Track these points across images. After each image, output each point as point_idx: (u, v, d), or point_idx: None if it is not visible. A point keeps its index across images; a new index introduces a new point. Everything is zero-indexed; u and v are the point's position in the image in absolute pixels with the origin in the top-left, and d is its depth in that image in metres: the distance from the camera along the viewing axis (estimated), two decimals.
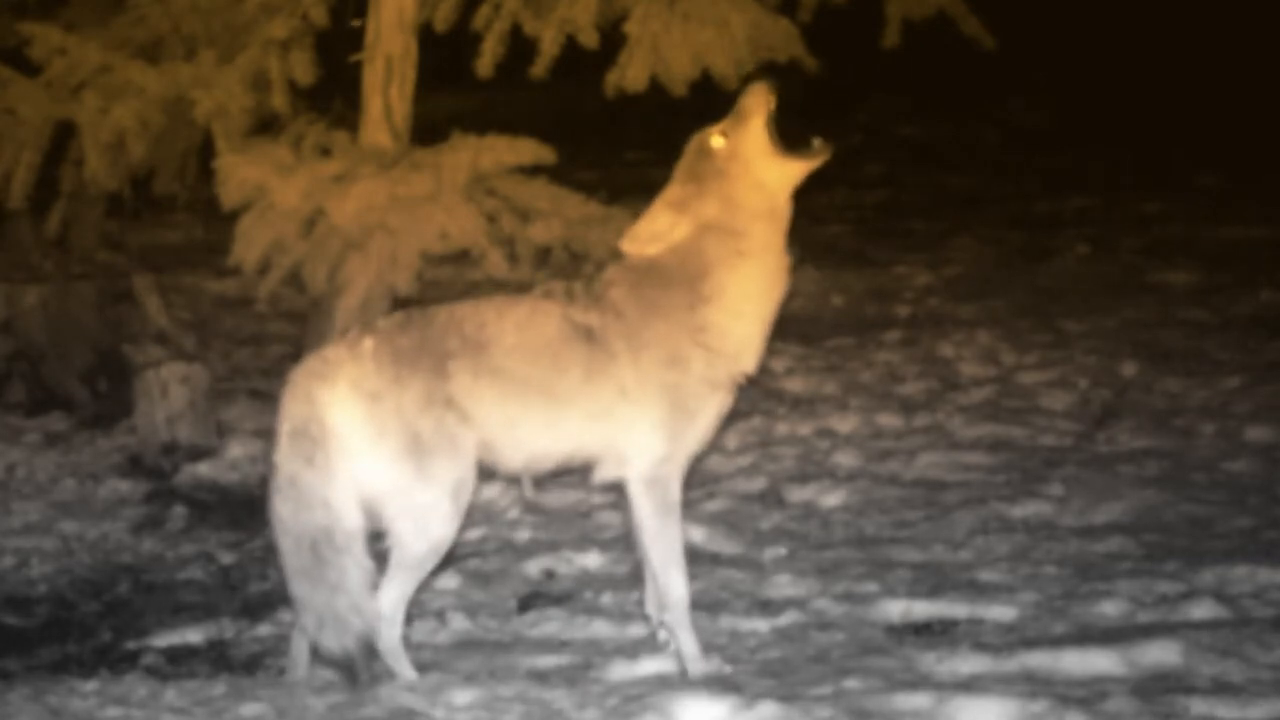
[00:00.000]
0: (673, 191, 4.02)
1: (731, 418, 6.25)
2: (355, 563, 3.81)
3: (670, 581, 3.95)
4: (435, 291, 8.39)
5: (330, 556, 3.79)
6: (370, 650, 3.86)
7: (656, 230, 3.96)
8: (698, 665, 3.91)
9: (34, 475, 5.89)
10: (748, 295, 3.94)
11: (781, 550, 4.95)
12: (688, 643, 3.94)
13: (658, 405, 3.91)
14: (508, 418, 3.89)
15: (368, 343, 3.86)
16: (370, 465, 3.80)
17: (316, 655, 3.93)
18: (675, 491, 3.97)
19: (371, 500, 3.82)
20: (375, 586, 3.86)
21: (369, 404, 3.80)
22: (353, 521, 3.81)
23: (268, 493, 3.87)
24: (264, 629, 4.46)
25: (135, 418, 6.09)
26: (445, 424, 3.82)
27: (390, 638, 3.91)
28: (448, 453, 3.82)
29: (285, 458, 3.81)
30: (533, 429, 3.92)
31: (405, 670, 3.93)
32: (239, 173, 6.52)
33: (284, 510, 3.81)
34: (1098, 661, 3.81)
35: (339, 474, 3.79)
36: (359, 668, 3.84)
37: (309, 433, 3.80)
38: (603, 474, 4.01)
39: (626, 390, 3.90)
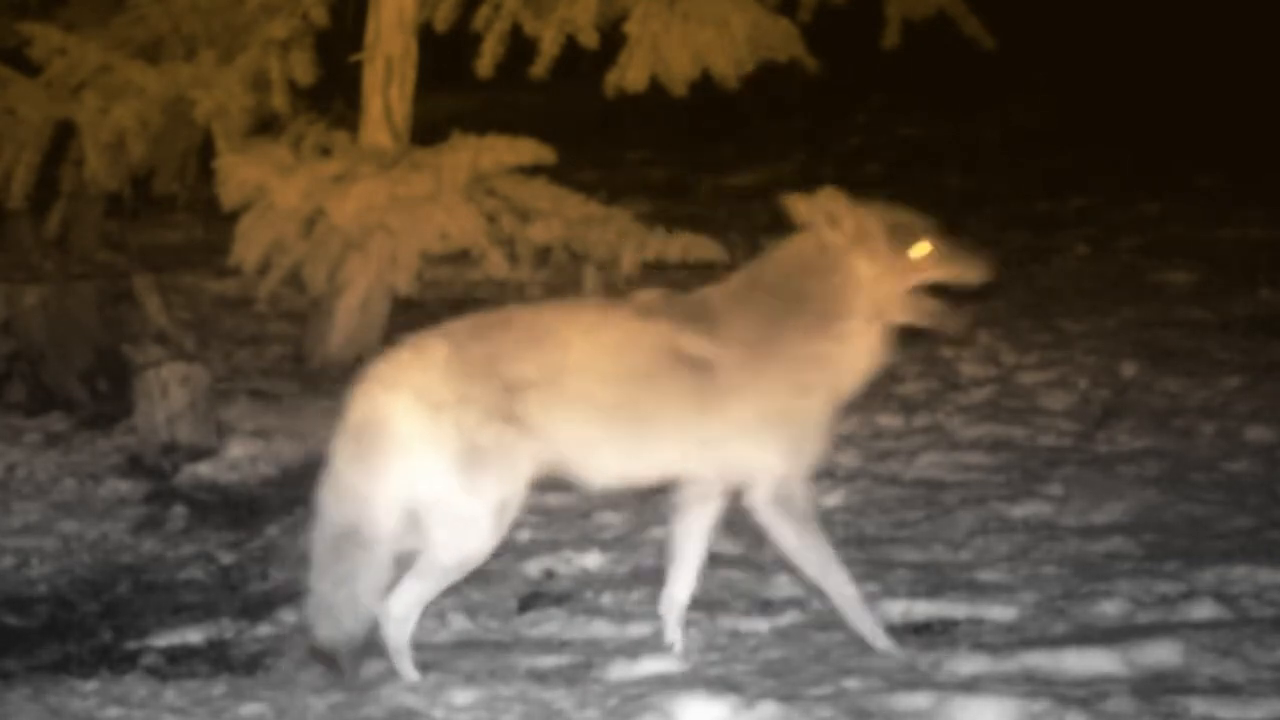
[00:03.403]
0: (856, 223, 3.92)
1: None
2: (371, 564, 3.81)
3: (833, 584, 3.96)
4: (435, 291, 8.39)
5: (349, 551, 3.80)
6: (357, 651, 3.87)
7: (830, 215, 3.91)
8: (882, 644, 3.95)
9: (34, 475, 5.89)
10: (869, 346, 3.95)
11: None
12: (870, 630, 3.96)
13: (781, 431, 3.88)
14: (591, 441, 3.85)
15: (438, 350, 3.84)
16: (421, 472, 3.78)
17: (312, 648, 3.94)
18: (803, 501, 3.95)
19: (415, 505, 3.81)
20: (383, 592, 3.87)
21: (430, 414, 3.77)
22: (385, 526, 3.80)
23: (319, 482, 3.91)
24: (264, 629, 4.46)
25: (135, 418, 6.09)
26: (504, 441, 3.78)
27: (398, 637, 3.91)
28: (500, 470, 3.79)
29: (338, 452, 3.85)
30: (622, 453, 3.88)
31: (408, 671, 3.92)
32: (239, 173, 6.53)
33: (325, 500, 3.85)
34: (1098, 661, 3.81)
35: (386, 477, 3.78)
36: (343, 664, 3.85)
37: (365, 434, 3.81)
38: (709, 491, 4.01)
39: (746, 420, 3.86)
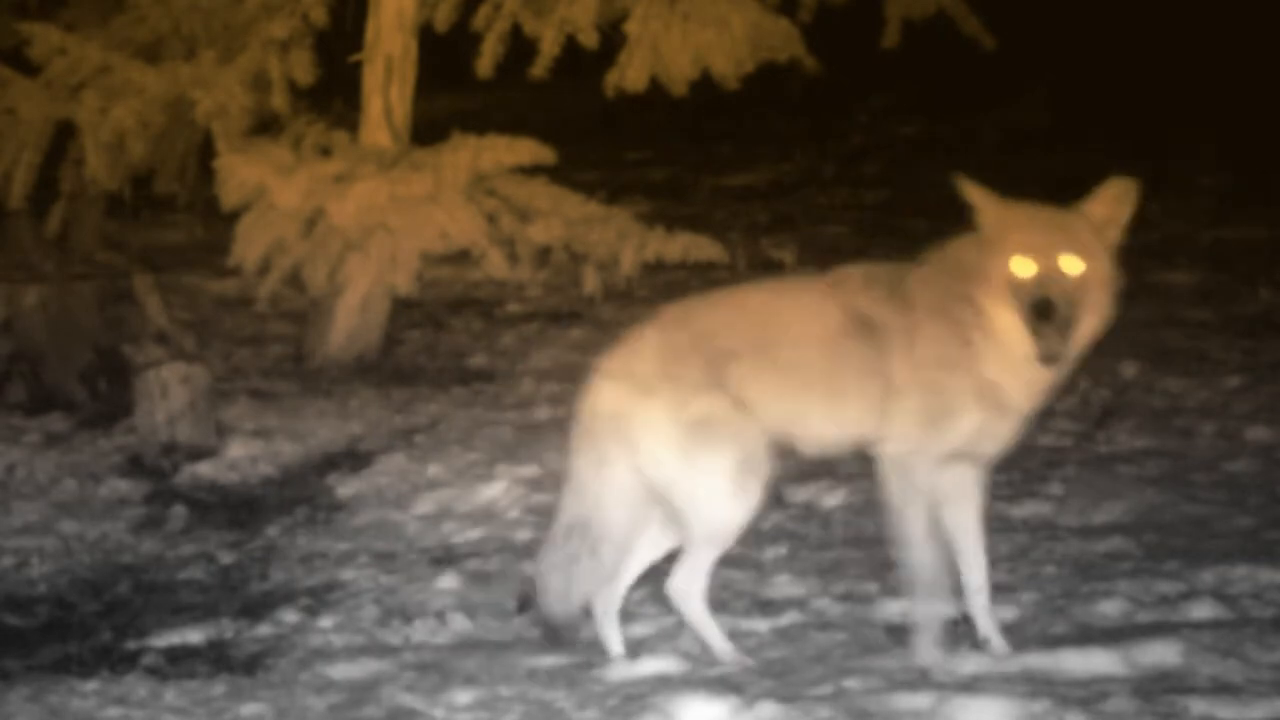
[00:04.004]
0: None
1: None
2: (591, 557, 3.93)
3: (912, 563, 3.93)
4: (435, 291, 8.40)
5: (574, 541, 3.93)
6: (575, 626, 4.03)
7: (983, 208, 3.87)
8: (928, 650, 3.90)
9: (34, 475, 5.89)
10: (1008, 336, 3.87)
11: (781, 550, 4.94)
12: (926, 621, 3.91)
13: (919, 398, 3.87)
14: (788, 406, 3.91)
15: (646, 336, 3.94)
16: (647, 457, 3.87)
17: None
18: (921, 481, 3.92)
19: (655, 489, 3.89)
20: (598, 587, 3.99)
21: (643, 399, 3.86)
22: (615, 519, 3.91)
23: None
24: (264, 629, 4.46)
25: (135, 418, 6.09)
26: (716, 410, 3.85)
27: (691, 614, 4.00)
28: (720, 436, 3.84)
29: (572, 448, 3.97)
30: (819, 417, 3.93)
31: (718, 642, 3.99)
32: (239, 173, 6.54)
33: (564, 492, 4.00)
34: (1098, 661, 3.81)
35: (613, 468, 3.89)
36: (563, 636, 4.04)
37: (589, 426, 3.92)
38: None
39: (894, 380, 3.87)
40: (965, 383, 3.87)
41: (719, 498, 3.87)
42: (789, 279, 4.05)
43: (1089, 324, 3.92)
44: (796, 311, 3.95)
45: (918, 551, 3.94)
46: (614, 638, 4.08)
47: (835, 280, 3.99)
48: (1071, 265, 3.80)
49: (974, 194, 3.89)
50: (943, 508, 4.03)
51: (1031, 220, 3.83)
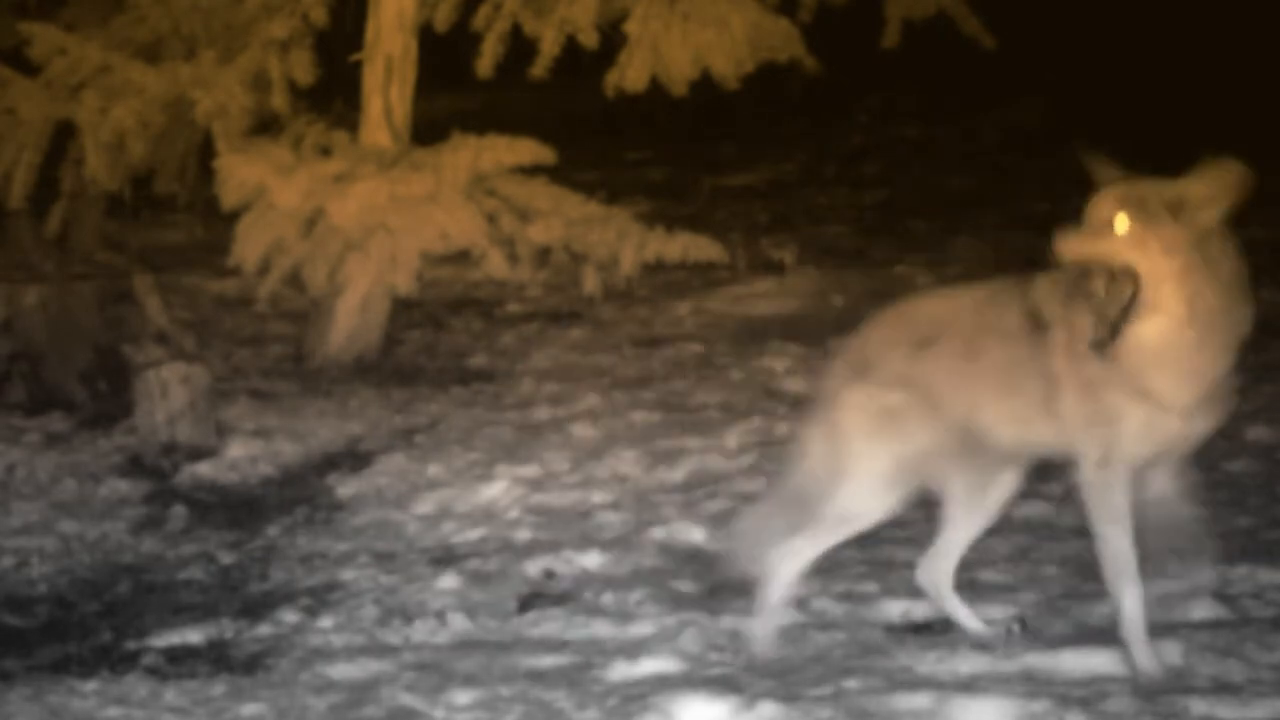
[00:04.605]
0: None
1: (732, 418, 6.26)
2: (791, 525, 4.01)
3: (1119, 592, 3.80)
4: (435, 291, 8.40)
5: (785, 508, 4.03)
6: (739, 583, 4.16)
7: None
8: (1149, 668, 3.75)
9: (34, 475, 5.89)
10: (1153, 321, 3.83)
11: None
12: (1141, 655, 3.76)
13: (1084, 403, 3.83)
14: (968, 398, 3.94)
15: (874, 322, 4.05)
16: (838, 435, 3.97)
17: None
18: (1117, 500, 3.80)
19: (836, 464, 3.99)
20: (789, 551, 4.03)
21: (849, 380, 3.98)
22: (824, 491, 3.97)
23: None
24: (264, 629, 4.46)
25: (135, 418, 6.09)
26: (904, 413, 3.93)
27: (771, 593, 4.02)
28: (891, 438, 3.92)
29: (807, 419, 4.12)
30: (991, 411, 3.95)
31: (761, 627, 4.02)
32: (239, 173, 6.54)
33: (792, 460, 4.11)
34: (1098, 661, 3.81)
35: (824, 442, 4.00)
36: (723, 587, 4.24)
37: (820, 400, 4.06)
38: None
39: (1059, 383, 3.84)
40: (1113, 376, 3.76)
41: (862, 486, 3.94)
42: (1003, 281, 4.07)
43: (1164, 303, 3.85)
44: (987, 307, 4.00)
45: (1124, 582, 3.79)
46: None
47: (1028, 280, 4.01)
48: (1121, 224, 3.93)
49: (1094, 167, 3.99)
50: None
51: (1101, 195, 3.96)
